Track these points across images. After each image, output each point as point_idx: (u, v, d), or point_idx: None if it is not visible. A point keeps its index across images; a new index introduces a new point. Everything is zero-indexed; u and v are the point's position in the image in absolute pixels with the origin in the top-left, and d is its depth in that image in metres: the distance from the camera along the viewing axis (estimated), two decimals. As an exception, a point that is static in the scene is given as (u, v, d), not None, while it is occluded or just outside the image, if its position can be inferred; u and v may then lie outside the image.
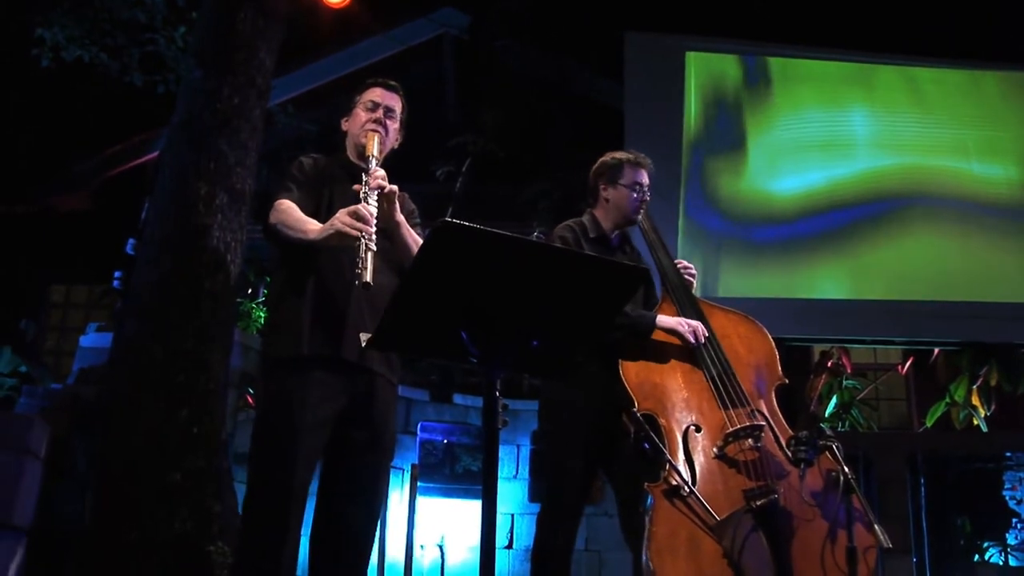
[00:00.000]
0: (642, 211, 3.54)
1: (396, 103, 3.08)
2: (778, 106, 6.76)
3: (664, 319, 3.30)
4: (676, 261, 3.59)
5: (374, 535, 2.91)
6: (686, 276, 3.55)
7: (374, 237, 2.56)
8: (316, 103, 8.99)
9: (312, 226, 2.72)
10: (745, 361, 3.35)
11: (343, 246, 2.66)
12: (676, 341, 3.30)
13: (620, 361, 3.25)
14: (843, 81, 6.90)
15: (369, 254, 2.50)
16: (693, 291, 3.56)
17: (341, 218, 2.58)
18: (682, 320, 3.30)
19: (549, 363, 2.16)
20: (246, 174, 4.51)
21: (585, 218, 3.59)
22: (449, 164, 9.09)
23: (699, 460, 3.07)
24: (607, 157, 3.61)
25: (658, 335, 3.31)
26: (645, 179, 3.54)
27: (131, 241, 6.75)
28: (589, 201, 3.65)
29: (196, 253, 4.23)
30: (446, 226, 1.80)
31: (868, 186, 6.53)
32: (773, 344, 3.43)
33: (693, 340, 3.26)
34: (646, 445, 2.96)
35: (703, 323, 3.36)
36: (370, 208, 2.63)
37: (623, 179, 3.52)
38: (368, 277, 2.46)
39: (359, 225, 2.55)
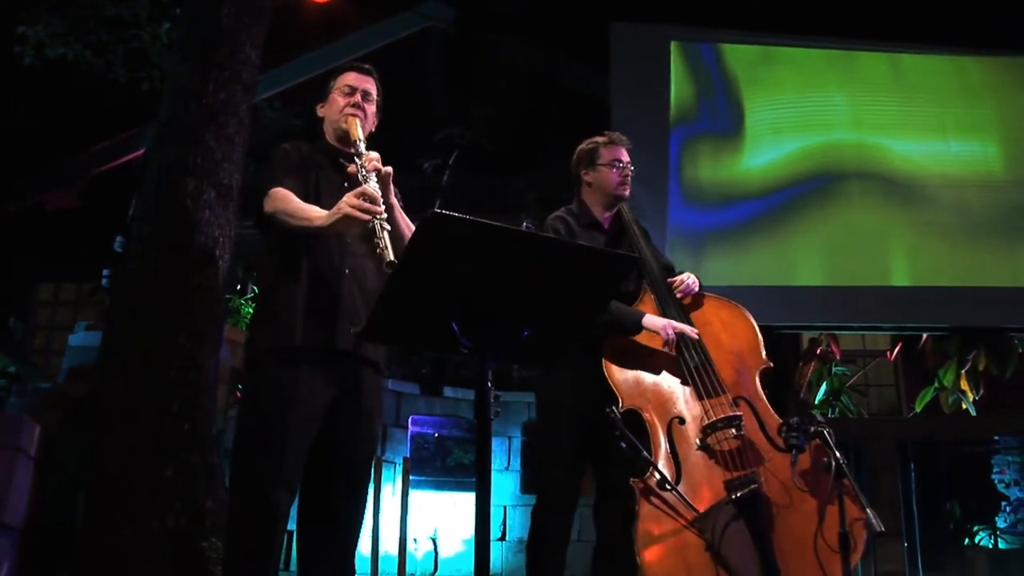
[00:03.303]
0: (627, 186, 3.57)
1: (371, 86, 3.06)
2: (760, 90, 6.75)
3: (651, 319, 3.29)
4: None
5: (360, 526, 2.90)
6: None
7: (385, 215, 2.53)
8: (302, 97, 8.97)
9: (315, 213, 2.66)
10: (728, 347, 3.36)
11: (343, 233, 2.65)
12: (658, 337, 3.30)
13: (604, 358, 3.27)
14: (827, 65, 6.89)
15: (385, 233, 2.46)
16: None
17: (350, 201, 2.52)
18: (668, 323, 3.27)
19: (540, 353, 2.17)
20: (233, 169, 4.50)
21: (574, 206, 3.64)
22: (436, 157, 9.08)
23: (685, 452, 3.10)
24: (583, 144, 3.68)
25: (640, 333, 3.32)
26: (624, 156, 3.58)
27: (119, 239, 6.74)
28: (575, 190, 3.69)
29: (185, 249, 4.22)
30: (436, 217, 1.80)
31: (844, 164, 6.51)
32: (756, 328, 3.42)
33: (671, 341, 3.24)
34: (623, 445, 2.98)
35: (683, 315, 3.37)
36: (376, 188, 2.62)
37: (601, 159, 3.58)
38: (391, 255, 2.40)
39: (368, 206, 2.51)
